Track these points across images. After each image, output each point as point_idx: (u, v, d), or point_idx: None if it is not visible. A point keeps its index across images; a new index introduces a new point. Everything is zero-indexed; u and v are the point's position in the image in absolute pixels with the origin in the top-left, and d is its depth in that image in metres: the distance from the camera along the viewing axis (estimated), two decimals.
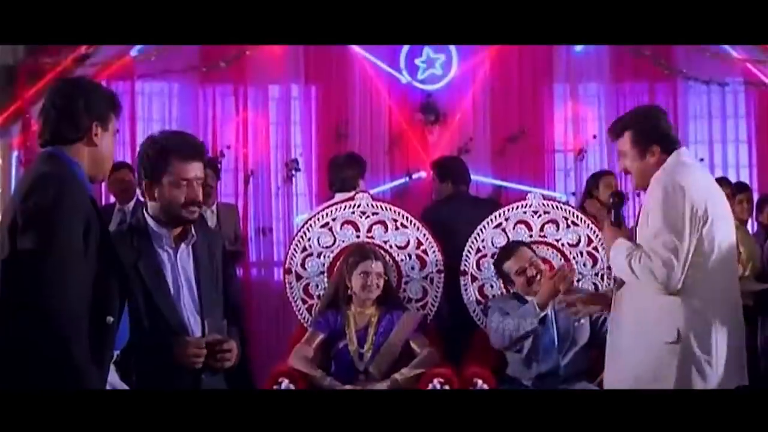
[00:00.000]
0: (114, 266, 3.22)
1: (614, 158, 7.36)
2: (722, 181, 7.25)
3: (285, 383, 5.31)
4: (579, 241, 6.05)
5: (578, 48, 8.52)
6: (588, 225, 6.05)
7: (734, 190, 7.29)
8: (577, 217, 6.10)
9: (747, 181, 8.36)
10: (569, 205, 6.44)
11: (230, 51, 8.37)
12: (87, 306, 3.05)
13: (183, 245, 3.81)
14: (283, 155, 8.65)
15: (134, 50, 8.31)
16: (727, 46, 8.38)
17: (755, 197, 7.85)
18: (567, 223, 6.04)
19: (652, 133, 4.20)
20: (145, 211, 3.83)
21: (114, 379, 3.32)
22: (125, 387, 3.40)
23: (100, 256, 3.13)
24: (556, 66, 8.64)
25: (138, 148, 3.88)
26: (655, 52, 8.45)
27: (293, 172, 8.58)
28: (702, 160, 8.67)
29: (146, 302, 3.63)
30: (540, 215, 6.06)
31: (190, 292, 3.79)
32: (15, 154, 8.20)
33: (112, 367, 3.29)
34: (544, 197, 6.23)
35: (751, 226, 7.87)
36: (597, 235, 5.94)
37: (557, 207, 6.08)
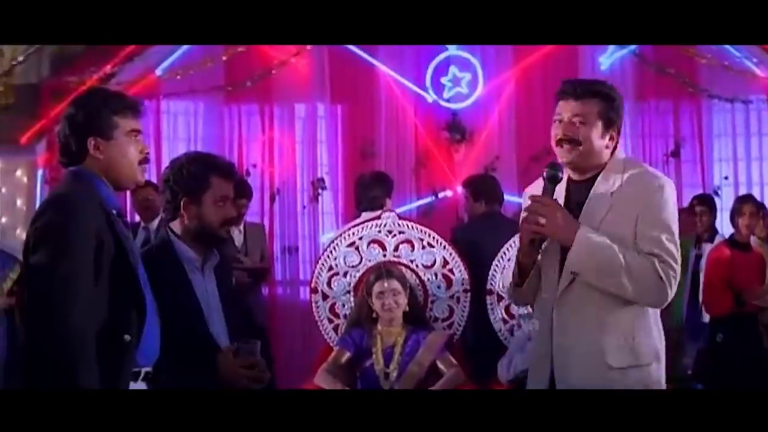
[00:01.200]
0: (132, 284, 3.20)
1: None
2: (748, 199, 7.27)
3: None
4: None
5: (603, 66, 8.53)
6: None
7: (759, 208, 7.27)
8: None
9: None
10: None
11: (256, 70, 8.42)
12: (99, 325, 3.06)
13: (208, 266, 3.78)
14: (309, 174, 8.70)
15: (159, 69, 8.35)
16: (750, 64, 8.36)
17: None
18: None
19: (619, 117, 3.67)
20: (170, 232, 3.77)
21: None
22: None
23: (115, 275, 3.13)
24: None
25: (168, 167, 3.80)
26: (679, 70, 8.45)
27: (319, 191, 8.63)
28: (726, 178, 8.70)
29: (180, 323, 3.51)
30: None
31: (218, 312, 3.76)
32: (40, 172, 8.19)
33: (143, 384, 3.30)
34: None
35: None
36: None
37: None
